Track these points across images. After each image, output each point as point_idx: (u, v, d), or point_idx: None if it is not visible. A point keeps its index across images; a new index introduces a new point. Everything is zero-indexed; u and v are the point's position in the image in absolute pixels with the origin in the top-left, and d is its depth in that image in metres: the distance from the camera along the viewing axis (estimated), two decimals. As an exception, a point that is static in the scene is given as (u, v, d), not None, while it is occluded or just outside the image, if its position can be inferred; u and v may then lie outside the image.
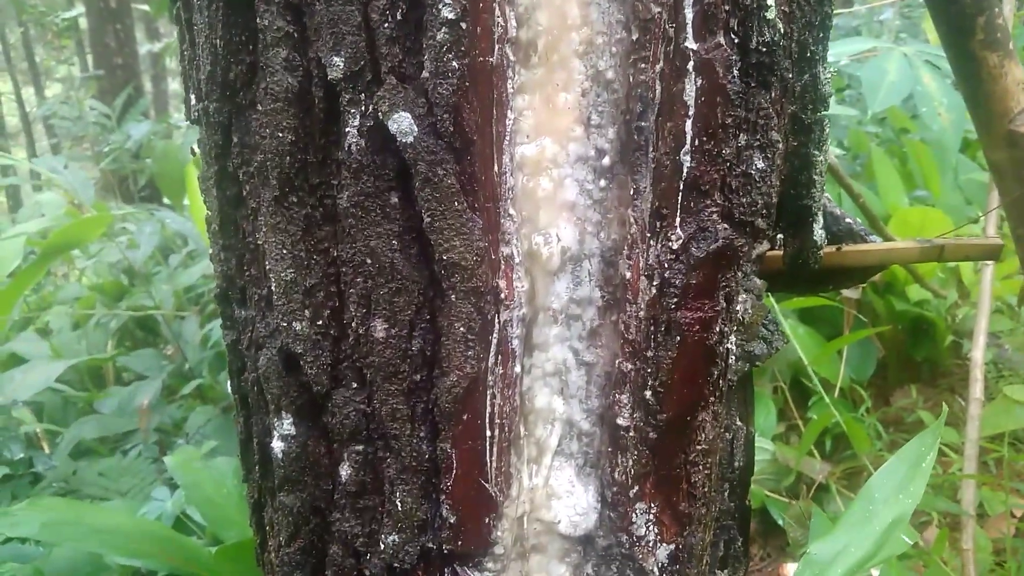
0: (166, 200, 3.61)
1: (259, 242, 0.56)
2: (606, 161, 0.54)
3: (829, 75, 0.64)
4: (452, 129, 0.48)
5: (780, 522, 1.55)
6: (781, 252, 0.69)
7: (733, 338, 0.58)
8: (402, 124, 0.48)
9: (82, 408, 2.22)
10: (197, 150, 0.63)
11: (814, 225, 0.66)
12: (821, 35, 0.61)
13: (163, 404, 2.17)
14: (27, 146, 8.04)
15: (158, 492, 1.54)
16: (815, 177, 0.65)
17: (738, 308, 0.56)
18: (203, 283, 2.66)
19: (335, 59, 0.48)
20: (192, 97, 0.60)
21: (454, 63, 0.47)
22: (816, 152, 0.64)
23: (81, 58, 7.37)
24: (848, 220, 0.78)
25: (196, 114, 0.59)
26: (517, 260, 0.54)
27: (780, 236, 0.68)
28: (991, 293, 1.51)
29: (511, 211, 0.53)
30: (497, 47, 0.48)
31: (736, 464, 0.68)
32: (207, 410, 2.05)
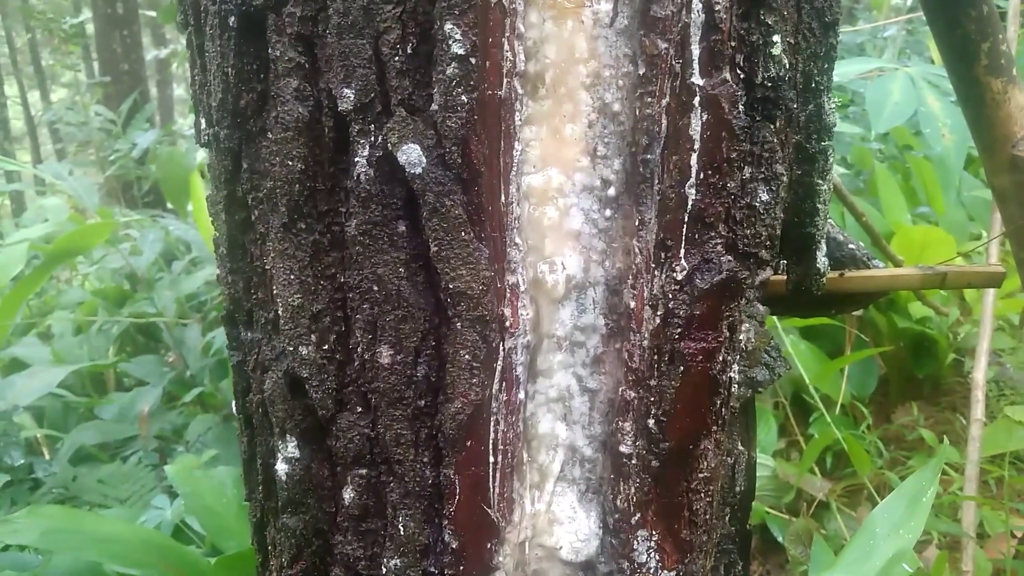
0: (170, 205, 3.62)
1: (267, 267, 0.56)
2: (611, 191, 0.54)
3: (833, 105, 0.64)
4: (460, 161, 0.49)
5: (780, 539, 1.55)
6: (784, 277, 0.69)
7: (736, 366, 0.58)
8: (411, 155, 0.48)
9: (83, 414, 2.23)
10: (207, 172, 0.63)
11: (817, 253, 0.67)
12: (826, 66, 0.61)
13: (164, 411, 2.17)
14: (32, 150, 8.07)
15: (158, 500, 1.55)
16: (819, 206, 0.65)
17: (741, 337, 0.57)
18: (206, 290, 2.67)
19: (346, 91, 0.48)
20: (202, 121, 0.60)
21: (463, 97, 0.47)
22: (820, 181, 0.65)
23: (87, 63, 7.41)
24: (851, 246, 0.78)
25: (206, 138, 0.60)
26: (522, 288, 0.54)
27: (783, 262, 0.69)
28: (993, 312, 1.51)
29: (517, 240, 0.53)
30: (506, 81, 0.49)
31: (737, 489, 0.69)
32: (208, 418, 2.06)
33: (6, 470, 1.86)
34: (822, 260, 0.67)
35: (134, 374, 2.39)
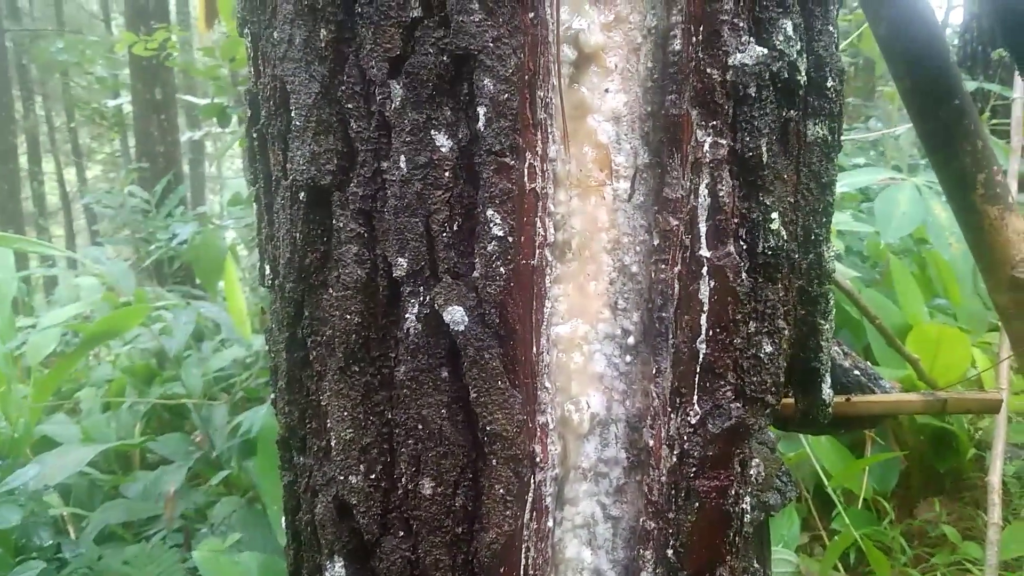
0: (198, 280, 3.73)
1: (322, 402, 0.63)
2: (631, 340, 0.61)
3: (832, 253, 0.71)
4: (498, 320, 0.55)
5: (803, 639, 1.55)
6: (793, 400, 0.74)
7: (748, 497, 0.63)
8: (455, 315, 0.55)
9: (108, 492, 2.27)
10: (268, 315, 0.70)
11: (822, 385, 0.72)
12: (824, 220, 0.68)
13: (188, 490, 2.21)
14: (65, 226, 8.36)
15: (183, 586, 1.57)
16: (822, 343, 0.71)
17: (752, 472, 0.62)
18: (234, 371, 2.73)
19: (400, 259, 0.56)
20: (267, 267, 0.68)
21: (501, 268, 0.54)
22: (822, 321, 0.71)
23: (123, 143, 7.73)
24: (856, 371, 0.84)
25: (270, 283, 0.67)
26: (551, 427, 0.60)
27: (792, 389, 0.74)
28: (1007, 411, 1.54)
29: (547, 384, 0.59)
30: (538, 252, 0.56)
31: (753, 606, 0.72)
32: (233, 500, 2.09)
33: (35, 550, 1.89)
34: (827, 392, 0.73)
35: (160, 452, 2.44)
